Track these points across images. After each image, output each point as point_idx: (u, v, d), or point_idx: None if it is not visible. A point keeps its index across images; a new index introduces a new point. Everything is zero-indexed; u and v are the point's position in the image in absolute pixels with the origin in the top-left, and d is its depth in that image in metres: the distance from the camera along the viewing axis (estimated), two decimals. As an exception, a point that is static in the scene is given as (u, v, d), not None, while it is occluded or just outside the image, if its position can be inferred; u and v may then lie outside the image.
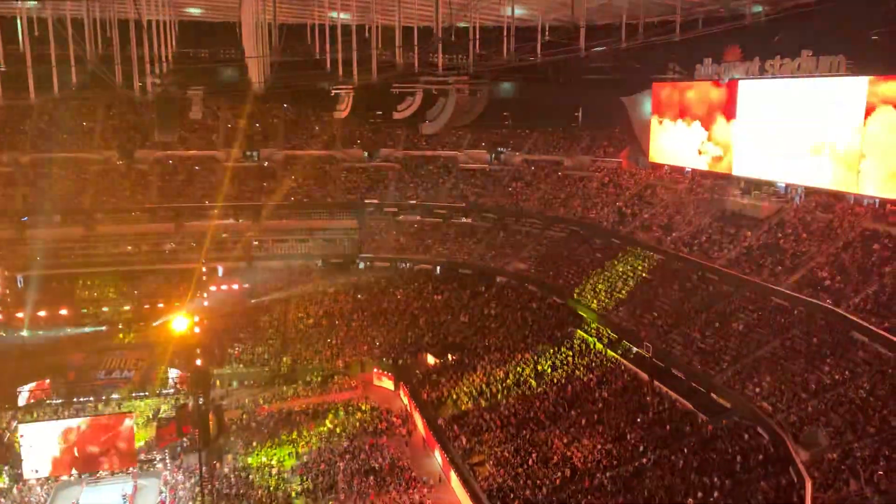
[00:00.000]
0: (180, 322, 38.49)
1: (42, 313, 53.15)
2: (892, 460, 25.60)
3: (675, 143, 53.94)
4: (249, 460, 39.98)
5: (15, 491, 37.94)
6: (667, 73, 54.42)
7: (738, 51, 46.64)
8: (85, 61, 40.30)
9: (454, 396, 44.06)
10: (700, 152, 51.45)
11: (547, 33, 40.56)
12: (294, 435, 42.51)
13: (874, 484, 24.75)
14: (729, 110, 48.38)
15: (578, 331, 46.43)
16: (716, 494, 28.75)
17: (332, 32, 42.59)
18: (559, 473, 33.92)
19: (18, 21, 40.20)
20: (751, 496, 27.89)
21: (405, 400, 47.39)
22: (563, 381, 41.78)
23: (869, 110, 38.61)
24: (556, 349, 45.57)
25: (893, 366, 30.48)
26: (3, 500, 37.19)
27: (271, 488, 36.99)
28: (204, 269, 49.73)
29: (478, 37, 41.33)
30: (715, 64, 48.26)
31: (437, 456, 39.96)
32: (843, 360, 32.44)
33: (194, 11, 50.89)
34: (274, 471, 38.83)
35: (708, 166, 51.05)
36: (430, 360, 50.74)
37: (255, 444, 41.61)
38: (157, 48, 41.78)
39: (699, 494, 29.09)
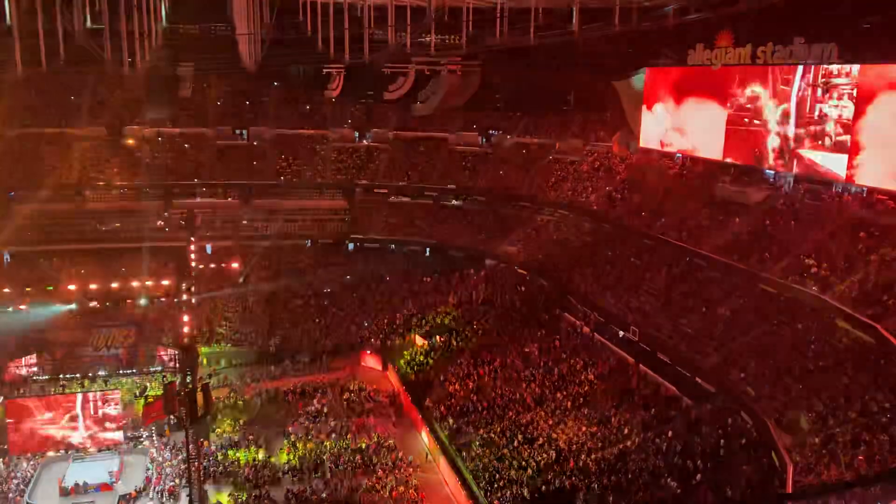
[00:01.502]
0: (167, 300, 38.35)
1: (29, 289, 52.83)
2: (872, 445, 25.96)
3: (664, 128, 53.90)
4: (236, 438, 40.09)
5: (1, 466, 37.95)
6: (659, 59, 54.28)
7: (731, 37, 46.51)
8: (73, 35, 39.82)
9: (441, 378, 44.26)
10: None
11: (541, 15, 40.40)
12: (282, 412, 42.69)
13: (854, 468, 25.10)
14: (722, 95, 48.38)
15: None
16: (698, 477, 29.10)
17: (324, 10, 42.24)
18: (544, 455, 34.21)
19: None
20: (733, 479, 28.23)
21: (393, 381, 47.56)
22: (550, 363, 42.01)
23: (869, 97, 37.96)
24: (544, 332, 45.75)
25: (876, 353, 30.78)
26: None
27: (258, 467, 37.14)
28: (193, 248, 49.50)
29: (471, 17, 41.07)
30: (707, 50, 48.12)
31: (424, 437, 40.21)
32: (827, 347, 32.74)
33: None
34: (262, 451, 38.96)
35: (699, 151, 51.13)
36: (419, 341, 50.89)
37: (242, 422, 41.73)
38: (147, 23, 41.32)
39: (682, 477, 29.44)
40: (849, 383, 30.03)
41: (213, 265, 58.74)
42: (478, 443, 36.79)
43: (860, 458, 25.53)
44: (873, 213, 38.54)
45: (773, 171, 45.59)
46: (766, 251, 40.30)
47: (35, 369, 46.45)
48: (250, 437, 40.19)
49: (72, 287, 53.09)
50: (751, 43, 44.66)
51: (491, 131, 67.64)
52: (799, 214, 41.80)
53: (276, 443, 39.94)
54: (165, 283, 54.22)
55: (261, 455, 38.53)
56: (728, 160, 47.66)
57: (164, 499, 35.47)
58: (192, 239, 50.11)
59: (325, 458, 37.88)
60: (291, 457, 38.16)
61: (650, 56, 54.57)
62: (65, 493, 35.94)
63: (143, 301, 54.06)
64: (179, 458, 37.95)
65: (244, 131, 67.28)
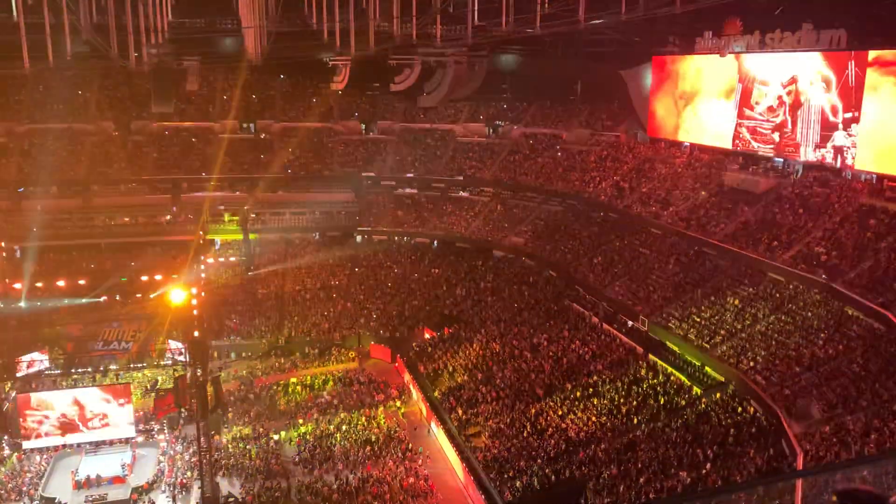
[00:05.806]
0: (177, 294, 38.56)
1: (39, 284, 53.14)
2: (883, 433, 25.89)
3: (672, 117, 53.70)
4: (247, 431, 40.30)
5: (14, 460, 38.26)
6: (667, 47, 53.98)
7: (739, 24, 46.18)
8: (80, 30, 39.89)
9: (450, 369, 44.34)
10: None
11: (547, 4, 40.19)
12: (292, 404, 42.85)
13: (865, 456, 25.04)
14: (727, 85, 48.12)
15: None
16: (708, 466, 29.08)
17: (329, 2, 42.18)
18: (553, 445, 34.25)
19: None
20: (742, 468, 28.21)
21: (402, 372, 47.67)
22: (559, 354, 42.01)
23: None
24: (552, 322, 45.74)
25: (887, 341, 30.68)
26: (2, 468, 37.54)
27: (269, 458, 37.34)
28: (201, 242, 49.68)
29: (476, 7, 40.93)
30: (715, 37, 47.80)
31: (434, 427, 40.32)
32: (838, 335, 32.64)
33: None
34: (272, 442, 39.15)
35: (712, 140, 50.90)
36: (427, 333, 50.95)
37: (252, 413, 41.93)
38: (153, 18, 41.35)
39: (691, 467, 29.42)
40: (859, 371, 29.96)
41: (221, 258, 59.01)
42: (486, 433, 36.87)
43: (871, 446, 25.46)
44: (882, 200, 38.32)
45: (780, 159, 45.33)
46: (775, 239, 40.14)
47: (46, 364, 46.74)
48: (261, 429, 40.42)
49: (82, 282, 53.37)
50: (759, 30, 44.42)
51: (498, 122, 67.49)
52: (808, 202, 41.59)
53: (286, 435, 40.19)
54: (175, 276, 54.38)
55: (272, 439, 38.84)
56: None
57: (176, 491, 35.71)
58: (201, 233, 50.20)
59: (335, 449, 38.04)
60: (302, 448, 38.35)
61: (657, 44, 54.31)
62: (78, 485, 36.23)
63: (152, 295, 54.28)
64: (191, 450, 38.18)
65: (251, 124, 67.35)
